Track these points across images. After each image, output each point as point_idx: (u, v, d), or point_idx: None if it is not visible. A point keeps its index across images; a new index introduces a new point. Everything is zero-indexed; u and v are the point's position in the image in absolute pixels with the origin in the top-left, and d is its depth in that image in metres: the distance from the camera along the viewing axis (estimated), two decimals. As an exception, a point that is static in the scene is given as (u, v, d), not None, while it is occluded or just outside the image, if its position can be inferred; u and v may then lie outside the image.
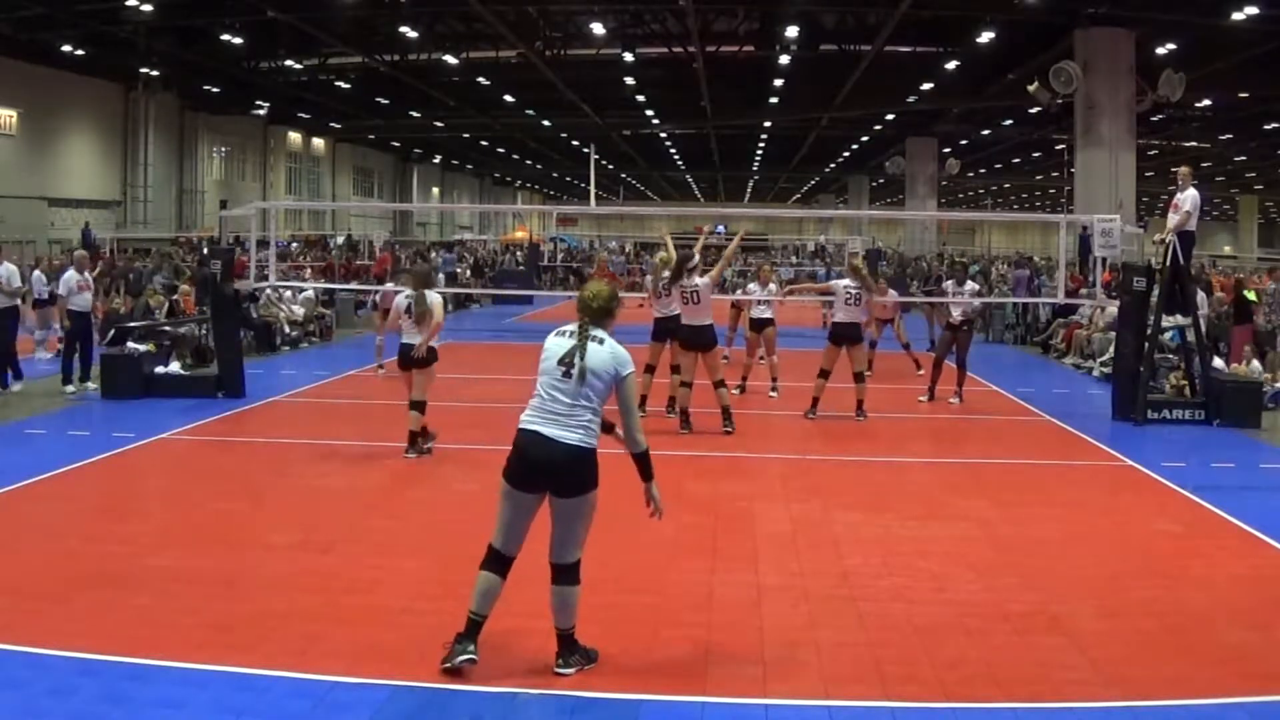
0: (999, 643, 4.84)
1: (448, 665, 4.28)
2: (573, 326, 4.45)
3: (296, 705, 4.07)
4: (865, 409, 10.68)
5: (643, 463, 4.48)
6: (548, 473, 4.31)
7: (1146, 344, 11.24)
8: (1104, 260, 13.93)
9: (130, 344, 12.37)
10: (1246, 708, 4.17)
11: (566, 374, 4.34)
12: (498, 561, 4.40)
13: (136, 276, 19.50)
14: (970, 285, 12.45)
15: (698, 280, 9.97)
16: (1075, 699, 4.21)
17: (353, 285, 22.72)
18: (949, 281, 12.81)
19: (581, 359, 4.33)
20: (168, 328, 13.59)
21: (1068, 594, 5.49)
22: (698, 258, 10.43)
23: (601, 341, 4.40)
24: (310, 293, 18.20)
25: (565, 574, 4.38)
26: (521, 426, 4.37)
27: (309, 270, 25.39)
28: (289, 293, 17.70)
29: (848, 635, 4.91)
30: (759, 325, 12.42)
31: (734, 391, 10.75)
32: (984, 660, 4.62)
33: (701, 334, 9.84)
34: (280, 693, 4.17)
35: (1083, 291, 16.88)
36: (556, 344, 4.44)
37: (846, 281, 11.02)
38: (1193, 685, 4.35)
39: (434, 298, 8.70)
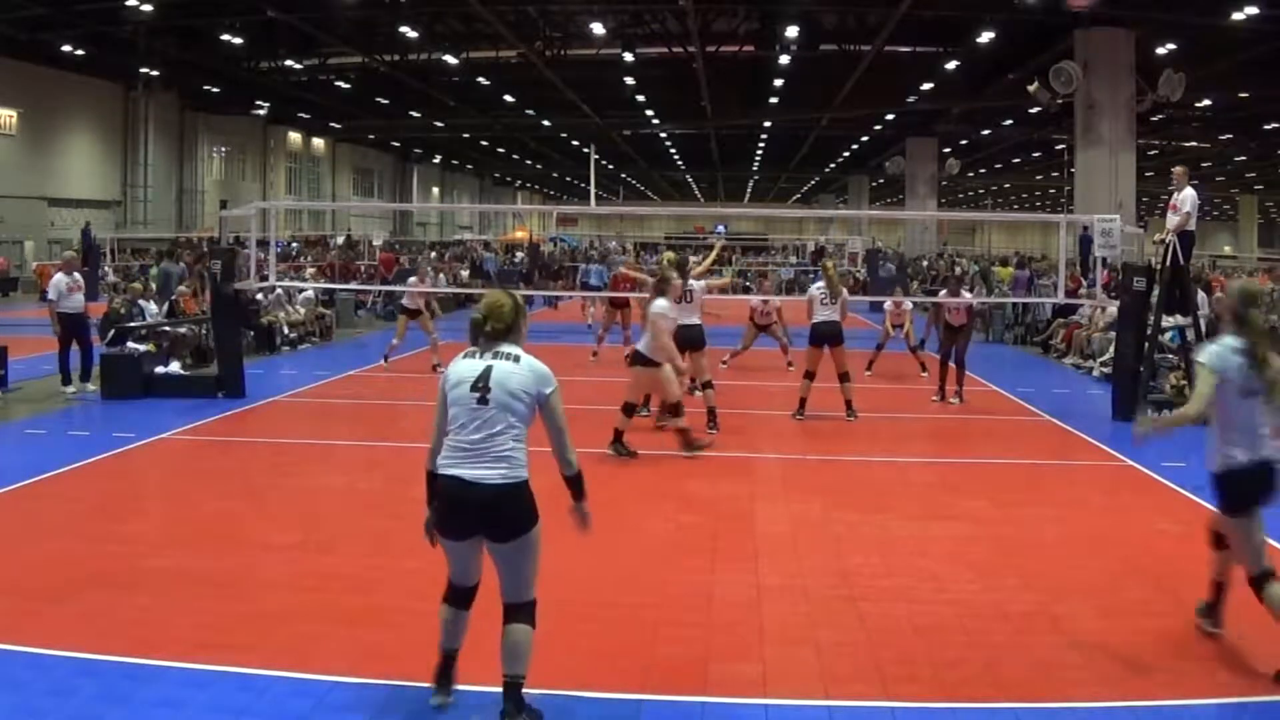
0: (999, 642, 4.84)
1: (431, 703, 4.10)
2: (478, 350, 3.95)
3: (296, 705, 4.07)
4: (855, 408, 10.68)
5: (575, 485, 4.04)
6: (475, 519, 3.86)
7: (1146, 344, 11.24)
8: (1104, 260, 13.92)
9: (130, 344, 12.37)
10: (1246, 708, 4.18)
11: (482, 400, 3.83)
12: (457, 594, 4.07)
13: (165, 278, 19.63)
14: (966, 296, 12.47)
15: (694, 283, 10.13)
16: (1075, 699, 4.21)
17: (352, 285, 22.72)
18: (943, 292, 12.86)
19: (496, 381, 3.84)
20: (168, 328, 13.59)
21: (1068, 594, 5.50)
22: (690, 261, 10.66)
23: (517, 359, 3.89)
24: (310, 293, 18.21)
25: (518, 613, 3.94)
26: (440, 472, 3.88)
27: (309, 270, 25.38)
28: (285, 293, 17.70)
29: (848, 635, 4.91)
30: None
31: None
32: (984, 660, 4.62)
33: (692, 332, 9.91)
34: (280, 693, 4.17)
35: (1081, 291, 16.87)
36: (465, 367, 3.90)
37: (820, 283, 11.05)
38: (1193, 685, 4.35)
39: (659, 306, 8.73)
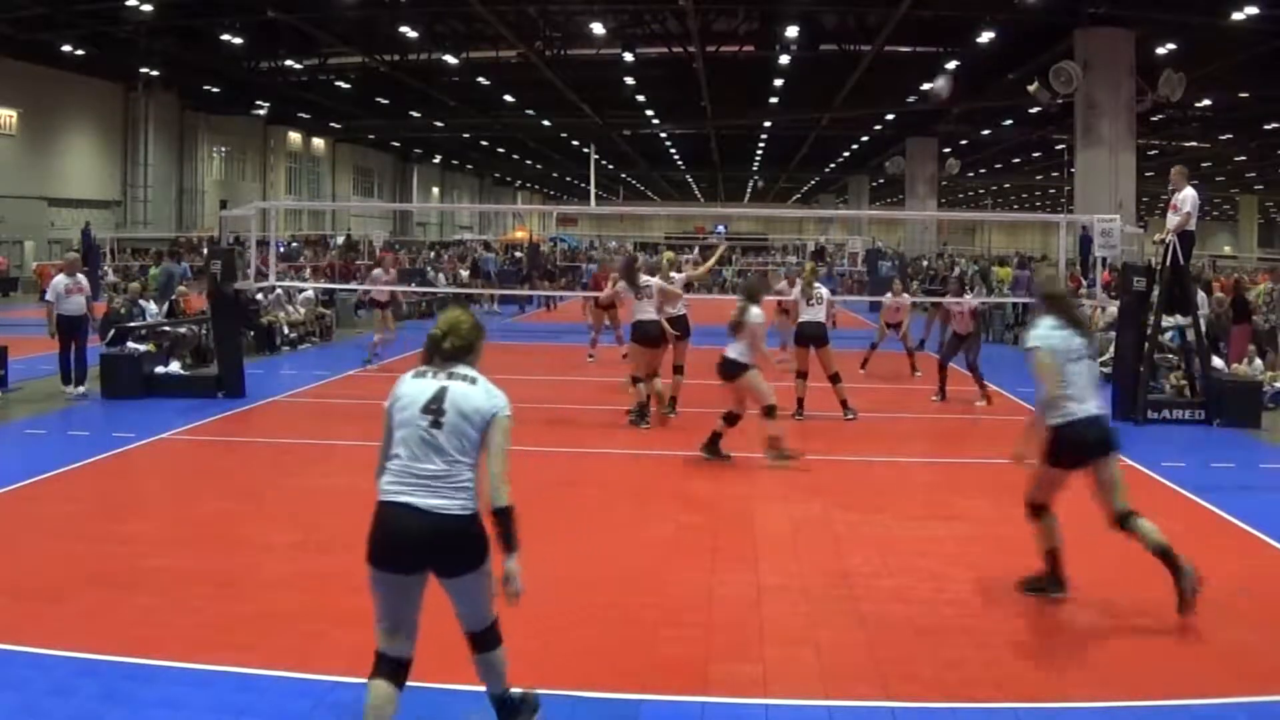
0: (999, 642, 4.84)
1: None
2: (432, 370, 3.63)
3: (296, 705, 4.08)
4: (853, 407, 10.69)
5: (504, 524, 3.50)
6: (428, 551, 3.49)
7: (1146, 344, 11.24)
8: (1104, 260, 13.92)
9: (130, 344, 12.37)
10: (1246, 708, 4.17)
11: (436, 423, 3.49)
12: (389, 666, 3.58)
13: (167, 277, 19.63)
14: (968, 299, 12.51)
15: (650, 280, 10.38)
16: (1075, 699, 4.20)
17: (352, 285, 22.71)
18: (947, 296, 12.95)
19: (453, 404, 3.51)
20: (168, 328, 13.59)
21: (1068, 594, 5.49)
22: (641, 258, 11.12)
23: (474, 381, 3.58)
24: (310, 293, 18.21)
25: (484, 639, 3.69)
26: (384, 499, 3.52)
27: (309, 270, 25.41)
28: (285, 293, 17.71)
29: (848, 635, 4.91)
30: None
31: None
32: (984, 660, 4.62)
33: (650, 328, 10.11)
34: (280, 693, 4.17)
35: (1081, 291, 16.87)
36: (416, 387, 3.58)
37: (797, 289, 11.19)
38: (1193, 685, 4.35)
39: (755, 313, 8.58)
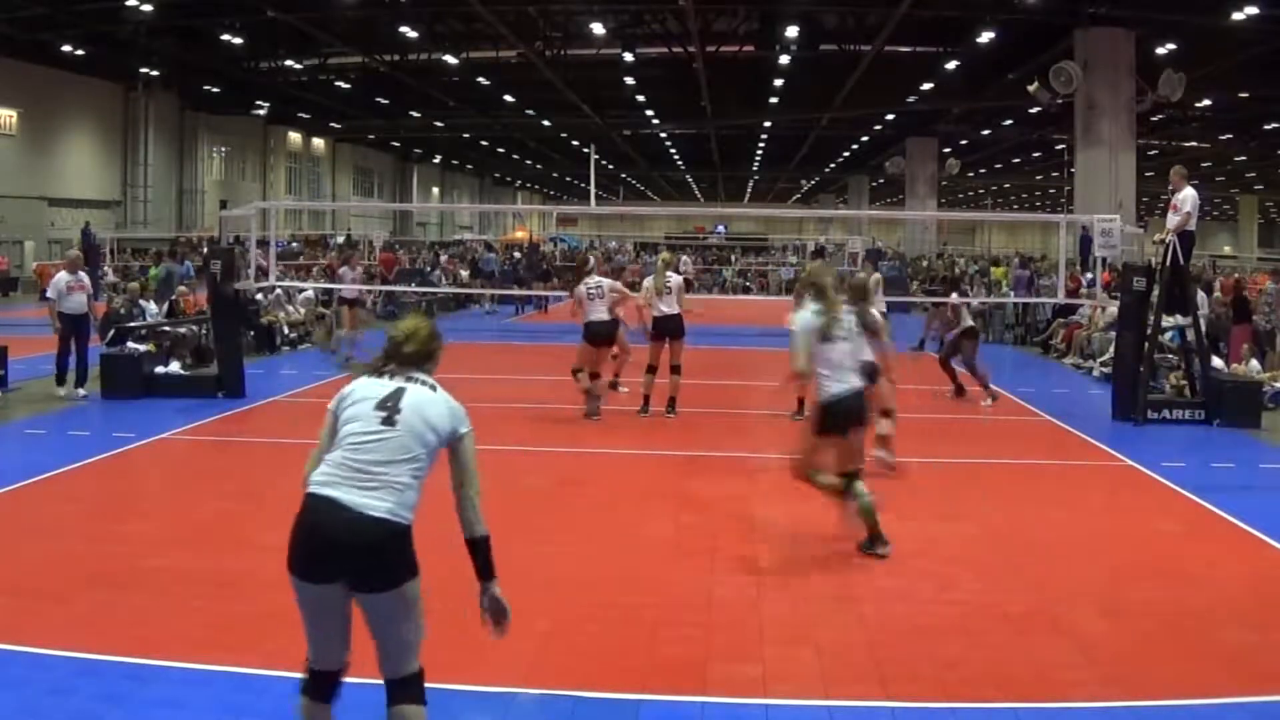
0: (999, 643, 4.84)
1: None
2: (390, 372, 3.43)
3: (296, 705, 4.06)
4: None
5: (481, 553, 3.32)
6: (342, 556, 3.16)
7: (1146, 344, 11.24)
8: (1104, 260, 13.93)
9: (130, 344, 12.37)
10: (1246, 708, 4.17)
11: (388, 421, 3.25)
12: (316, 682, 3.37)
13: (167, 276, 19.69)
14: (955, 298, 12.57)
15: (603, 280, 10.72)
16: (1075, 699, 4.20)
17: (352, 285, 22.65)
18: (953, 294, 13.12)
19: (411, 405, 3.29)
20: (168, 328, 13.60)
21: (1068, 594, 5.49)
22: (592, 261, 11.59)
23: (434, 388, 3.38)
24: (310, 293, 18.21)
25: (403, 690, 3.29)
26: (311, 490, 3.27)
27: (310, 270, 25.40)
28: (285, 293, 17.72)
29: (848, 635, 4.90)
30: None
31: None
32: (984, 660, 4.62)
33: (604, 327, 10.41)
34: (280, 693, 4.17)
35: (1082, 291, 16.89)
36: (370, 385, 3.37)
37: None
38: (1193, 685, 4.35)
39: (876, 315, 8.12)
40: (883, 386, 8.26)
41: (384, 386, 3.34)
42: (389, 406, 3.28)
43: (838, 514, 6.20)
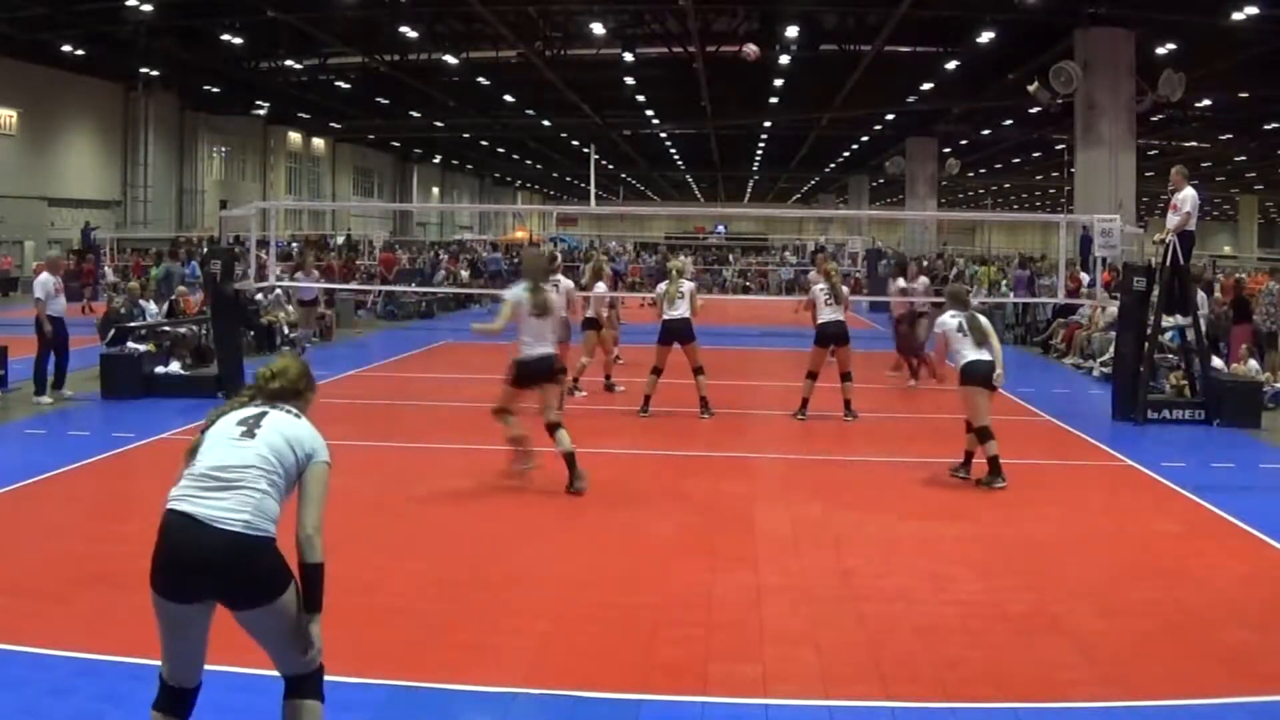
0: (999, 642, 4.84)
1: None
2: (255, 402, 3.42)
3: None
4: (854, 409, 10.67)
5: (313, 581, 3.19)
6: (204, 575, 3.07)
7: (1146, 344, 11.24)
8: (1104, 260, 13.94)
9: (130, 344, 12.37)
10: (1246, 708, 4.17)
11: (248, 434, 3.22)
12: (172, 699, 3.23)
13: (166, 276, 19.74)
14: (922, 280, 12.89)
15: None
16: (1075, 699, 4.20)
17: (352, 285, 22.72)
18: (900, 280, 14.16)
19: (272, 424, 3.28)
20: (168, 328, 13.59)
21: (1068, 594, 5.49)
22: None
23: (298, 416, 3.38)
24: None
25: (301, 686, 3.25)
26: (169, 506, 3.20)
27: (314, 272, 25.41)
28: (285, 293, 17.73)
29: (848, 635, 4.91)
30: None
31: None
32: (984, 660, 4.62)
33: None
34: (280, 693, 4.16)
35: (1081, 291, 16.89)
36: (235, 412, 3.36)
37: (821, 285, 11.02)
38: (1193, 685, 4.35)
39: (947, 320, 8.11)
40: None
41: (248, 410, 3.34)
42: (249, 423, 3.27)
43: (837, 513, 6.16)
